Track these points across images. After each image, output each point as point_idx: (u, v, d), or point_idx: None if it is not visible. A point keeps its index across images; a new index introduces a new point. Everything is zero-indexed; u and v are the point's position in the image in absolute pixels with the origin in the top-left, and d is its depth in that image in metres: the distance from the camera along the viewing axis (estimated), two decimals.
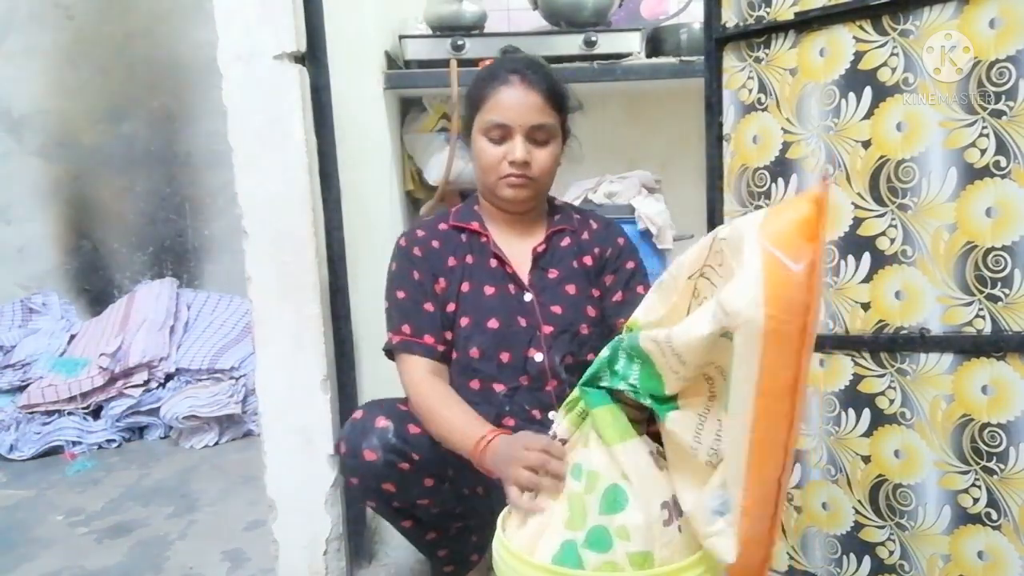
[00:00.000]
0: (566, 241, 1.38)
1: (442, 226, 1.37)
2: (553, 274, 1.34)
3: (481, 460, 1.10)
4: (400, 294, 1.32)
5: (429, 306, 1.31)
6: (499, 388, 1.28)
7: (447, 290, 1.32)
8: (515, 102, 1.26)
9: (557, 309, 1.31)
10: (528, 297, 1.32)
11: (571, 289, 1.34)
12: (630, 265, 1.39)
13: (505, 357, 1.29)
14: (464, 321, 1.31)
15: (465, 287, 1.32)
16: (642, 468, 0.93)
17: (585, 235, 1.39)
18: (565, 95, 1.33)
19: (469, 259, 1.34)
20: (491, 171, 1.29)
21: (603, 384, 0.97)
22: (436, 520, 1.32)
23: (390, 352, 1.33)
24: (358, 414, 1.25)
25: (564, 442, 1.00)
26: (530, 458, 0.99)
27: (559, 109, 1.31)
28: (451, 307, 1.32)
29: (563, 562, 0.91)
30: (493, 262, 1.33)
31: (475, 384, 1.29)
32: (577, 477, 0.95)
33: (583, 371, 1.18)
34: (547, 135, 1.29)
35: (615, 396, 0.97)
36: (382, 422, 1.21)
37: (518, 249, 1.35)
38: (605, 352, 0.98)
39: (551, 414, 1.28)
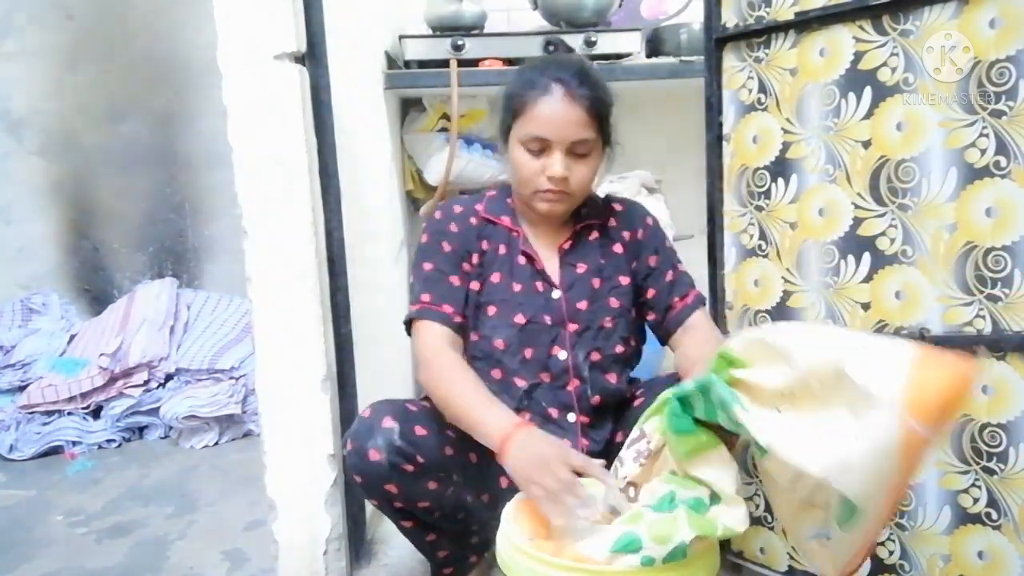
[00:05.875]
0: (594, 235, 1.37)
1: (478, 207, 1.37)
2: (581, 268, 1.34)
3: (503, 449, 1.11)
4: (427, 266, 1.32)
5: (455, 279, 1.31)
6: (520, 383, 1.29)
7: (477, 268, 1.32)
8: (557, 117, 1.23)
9: (583, 305, 1.32)
10: (556, 295, 1.32)
11: (596, 283, 1.34)
12: (669, 244, 1.40)
13: (529, 353, 1.29)
14: (492, 310, 1.31)
15: (495, 278, 1.32)
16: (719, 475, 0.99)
17: (612, 222, 1.38)
18: (610, 104, 1.29)
19: (502, 250, 1.34)
20: (528, 184, 1.28)
21: (696, 412, 0.99)
22: (437, 522, 1.31)
23: (408, 324, 1.32)
24: (366, 412, 1.24)
25: (650, 453, 1.04)
26: (549, 484, 1.03)
27: (602, 120, 1.28)
28: (475, 286, 1.31)
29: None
30: (522, 259, 1.33)
31: (496, 374, 1.30)
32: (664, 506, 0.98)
33: (609, 366, 1.30)
34: (588, 149, 1.27)
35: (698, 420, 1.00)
36: (388, 422, 1.20)
37: (547, 245, 1.36)
38: (693, 384, 0.98)
39: (569, 416, 1.30)
